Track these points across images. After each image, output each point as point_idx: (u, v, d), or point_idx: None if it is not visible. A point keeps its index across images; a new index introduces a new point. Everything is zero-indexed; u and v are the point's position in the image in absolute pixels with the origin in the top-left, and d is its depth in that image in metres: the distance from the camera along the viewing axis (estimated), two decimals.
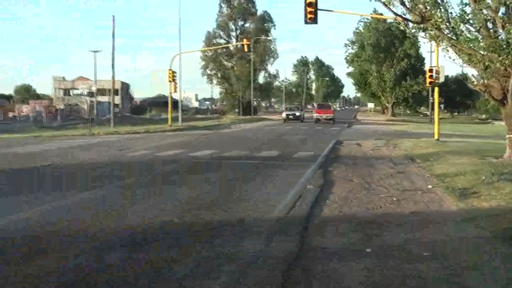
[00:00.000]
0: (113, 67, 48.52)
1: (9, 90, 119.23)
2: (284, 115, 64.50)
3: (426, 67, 35.41)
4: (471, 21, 16.68)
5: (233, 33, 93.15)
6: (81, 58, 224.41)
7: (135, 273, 6.31)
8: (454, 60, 18.24)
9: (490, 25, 16.72)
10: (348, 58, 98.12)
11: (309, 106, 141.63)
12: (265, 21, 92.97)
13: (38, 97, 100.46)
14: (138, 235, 8.07)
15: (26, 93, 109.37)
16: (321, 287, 5.86)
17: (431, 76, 28.76)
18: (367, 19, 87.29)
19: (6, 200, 11.21)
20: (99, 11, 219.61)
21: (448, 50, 18.00)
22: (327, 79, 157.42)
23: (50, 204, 10.46)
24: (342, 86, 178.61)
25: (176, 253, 7.11)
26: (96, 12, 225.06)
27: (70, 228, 8.61)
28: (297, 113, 63.16)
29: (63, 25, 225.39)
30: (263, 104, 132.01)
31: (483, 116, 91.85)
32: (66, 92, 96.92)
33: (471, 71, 19.29)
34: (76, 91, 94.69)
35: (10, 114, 65.81)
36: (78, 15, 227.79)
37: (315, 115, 60.37)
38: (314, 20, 24.21)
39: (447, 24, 16.82)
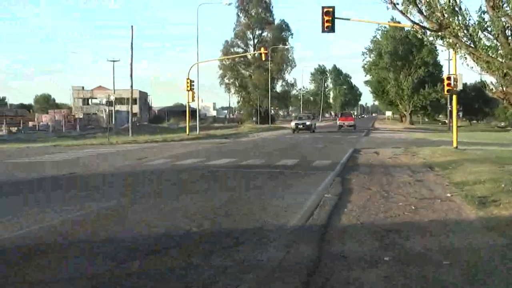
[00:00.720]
0: (131, 77, 48.96)
1: (29, 100, 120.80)
2: (293, 124, 57.20)
3: (444, 75, 35.25)
4: (489, 29, 16.61)
5: (251, 42, 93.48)
6: (100, 68, 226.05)
7: (155, 281, 6.37)
8: (472, 67, 18.13)
9: (508, 32, 16.63)
10: (365, 66, 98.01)
11: (326, 115, 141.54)
12: (282, 30, 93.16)
13: (57, 106, 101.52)
14: (158, 243, 8.14)
15: (46, 102, 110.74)
16: None
17: (449, 84, 28.62)
18: (385, 27, 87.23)
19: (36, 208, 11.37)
20: (116, 21, 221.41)
21: (466, 58, 17.91)
22: (344, 87, 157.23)
23: (74, 213, 10.59)
24: (360, 94, 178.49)
25: (195, 261, 7.17)
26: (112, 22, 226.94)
27: (94, 234, 8.73)
28: (307, 122, 55.98)
29: (82, 34, 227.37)
30: (281, 113, 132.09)
31: (502, 124, 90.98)
32: (85, 101, 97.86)
33: (490, 79, 19.18)
34: (94, 100, 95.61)
35: (30, 124, 66.44)
36: (96, 25, 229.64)
37: (338, 122, 66.27)
38: (331, 29, 24.27)
39: (465, 31, 16.76)
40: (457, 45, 17.21)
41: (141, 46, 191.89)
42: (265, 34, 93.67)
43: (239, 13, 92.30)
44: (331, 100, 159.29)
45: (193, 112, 58.05)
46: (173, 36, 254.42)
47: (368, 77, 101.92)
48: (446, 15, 16.73)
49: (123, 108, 76.36)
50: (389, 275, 6.47)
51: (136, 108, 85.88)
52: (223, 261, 7.11)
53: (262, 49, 51.50)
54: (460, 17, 16.66)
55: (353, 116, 74.18)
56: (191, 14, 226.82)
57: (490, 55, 16.61)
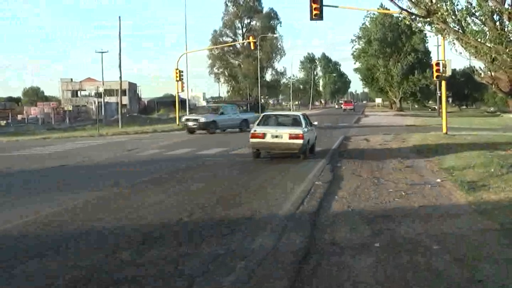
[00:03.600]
0: (120, 68, 48.74)
1: (17, 93, 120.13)
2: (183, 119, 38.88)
3: (433, 61, 35.30)
4: (477, 14, 16.65)
5: (240, 31, 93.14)
6: (89, 59, 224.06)
7: (146, 270, 6.38)
8: (461, 53, 18.23)
9: (496, 17, 16.68)
10: (355, 53, 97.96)
11: (316, 103, 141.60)
12: (271, 19, 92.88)
13: (46, 99, 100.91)
14: (150, 232, 8.14)
15: (34, 95, 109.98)
16: (332, 281, 5.90)
17: (438, 70, 28.73)
18: (374, 14, 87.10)
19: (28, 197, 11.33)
20: (100, 10, 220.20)
21: (454, 43, 17.98)
22: (334, 75, 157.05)
23: (66, 204, 10.54)
24: (349, 81, 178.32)
25: (188, 249, 7.19)
26: (97, 11, 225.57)
27: (86, 224, 8.70)
28: (202, 119, 34.71)
29: (63, 25, 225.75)
30: (271, 102, 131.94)
31: (492, 109, 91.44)
32: (74, 93, 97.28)
33: (478, 64, 19.26)
34: (84, 92, 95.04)
35: (19, 117, 66.03)
36: (80, 15, 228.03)
37: (343, 106, 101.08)
38: (319, 17, 24.19)
39: (453, 17, 16.80)
40: (446, 30, 17.26)
41: (129, 34, 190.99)
42: (253, 23, 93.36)
43: (227, 2, 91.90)
44: (320, 88, 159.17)
45: (182, 102, 57.84)
46: (161, 26, 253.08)
47: (358, 65, 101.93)
48: (434, 1, 16.75)
49: (113, 99, 75.94)
50: (379, 260, 6.51)
51: (125, 99, 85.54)
52: (215, 250, 7.12)
53: (251, 38, 51.22)
54: (448, 3, 16.69)
55: (353, 102, 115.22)
56: (179, 4, 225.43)
57: (479, 40, 16.66)
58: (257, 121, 19.98)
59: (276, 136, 18.18)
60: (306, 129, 18.56)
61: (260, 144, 18.48)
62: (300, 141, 17.82)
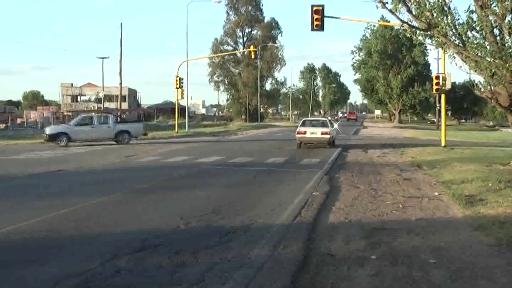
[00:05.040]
0: (120, 74, 48.89)
1: (17, 96, 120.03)
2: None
3: (433, 74, 35.33)
4: (477, 28, 16.69)
5: (240, 40, 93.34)
6: (89, 64, 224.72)
7: (143, 278, 6.36)
8: (461, 67, 18.25)
9: (496, 31, 16.71)
10: (355, 65, 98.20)
11: (315, 113, 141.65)
12: (272, 28, 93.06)
13: (46, 103, 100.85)
14: (146, 240, 8.12)
15: (34, 99, 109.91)
16: None
17: (437, 83, 28.73)
18: (374, 26, 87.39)
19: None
20: (103, 14, 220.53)
21: (454, 57, 18.02)
22: (334, 85, 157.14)
23: (63, 209, 10.51)
24: (349, 92, 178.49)
25: (183, 258, 7.17)
26: (100, 15, 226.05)
27: (82, 230, 8.67)
28: (48, 131, 32.79)
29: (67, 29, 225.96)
30: (270, 111, 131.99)
31: (491, 123, 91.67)
32: (74, 98, 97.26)
33: (478, 78, 19.27)
34: (84, 97, 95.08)
35: (18, 120, 65.92)
36: (83, 18, 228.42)
37: (347, 116, 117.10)
38: (320, 27, 24.24)
39: (454, 30, 16.85)
40: (446, 44, 17.30)
41: (130, 41, 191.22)
42: (254, 32, 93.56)
43: (228, 11, 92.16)
44: (320, 99, 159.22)
45: (182, 109, 57.90)
46: (162, 34, 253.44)
47: (358, 76, 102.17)
48: (435, 15, 16.80)
49: (112, 105, 76.01)
50: (376, 273, 6.49)
51: (125, 106, 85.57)
52: (211, 259, 7.11)
53: (252, 47, 51.40)
54: (449, 17, 16.74)
55: (356, 113, 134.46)
56: (180, 12, 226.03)
57: (479, 54, 16.69)
58: (300, 124, 30.88)
59: (312, 133, 28.20)
60: (331, 129, 29.10)
61: (302, 138, 28.26)
62: (328, 136, 27.90)
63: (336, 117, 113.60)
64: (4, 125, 56.36)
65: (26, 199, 12.00)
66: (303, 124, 29.56)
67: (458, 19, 16.89)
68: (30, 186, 14.55)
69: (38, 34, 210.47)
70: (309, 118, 37.97)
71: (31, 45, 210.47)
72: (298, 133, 27.95)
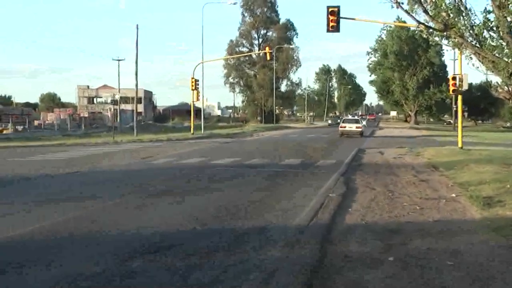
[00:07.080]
0: (136, 75, 48.94)
1: (34, 98, 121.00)
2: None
3: (449, 75, 35.12)
4: (494, 28, 16.54)
5: (256, 42, 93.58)
6: (103, 66, 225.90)
7: (157, 280, 6.36)
8: (478, 67, 18.08)
9: None
10: (370, 66, 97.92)
11: (330, 114, 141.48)
12: (287, 30, 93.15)
13: (62, 105, 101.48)
14: (161, 241, 8.13)
15: (51, 101, 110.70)
16: None
17: (454, 84, 28.56)
18: (390, 27, 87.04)
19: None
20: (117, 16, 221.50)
21: (471, 58, 17.85)
22: (349, 87, 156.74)
23: (78, 210, 10.60)
24: (364, 94, 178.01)
25: (198, 260, 7.15)
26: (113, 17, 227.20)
27: (97, 232, 8.71)
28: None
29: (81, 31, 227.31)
30: (285, 112, 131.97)
31: (508, 124, 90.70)
32: (90, 100, 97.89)
33: (495, 79, 19.16)
34: (100, 99, 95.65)
35: (36, 122, 66.43)
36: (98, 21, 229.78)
37: (368, 117, 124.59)
38: (336, 29, 24.18)
39: (471, 31, 16.70)
40: (463, 45, 17.15)
41: (145, 45, 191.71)
42: (270, 33, 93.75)
43: (244, 13, 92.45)
44: (335, 100, 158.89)
45: (197, 111, 58.06)
46: (178, 36, 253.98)
47: (373, 77, 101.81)
48: (451, 15, 16.66)
49: (128, 107, 76.32)
50: (392, 275, 6.45)
51: (141, 107, 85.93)
52: (227, 260, 7.09)
53: (267, 48, 51.39)
54: (465, 17, 16.61)
55: (375, 114, 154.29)
56: (196, 14, 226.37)
57: (496, 55, 16.55)
58: (342, 121, 50.12)
59: (350, 127, 44.55)
60: (363, 124, 47.48)
61: (343, 130, 44.25)
62: (360, 129, 44.47)
63: (363, 116, 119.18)
64: (22, 127, 56.82)
65: (37, 201, 12.06)
66: (344, 121, 47.18)
67: (475, 19, 16.76)
68: (42, 187, 14.65)
69: (52, 35, 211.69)
70: (347, 117, 59.29)
71: (46, 47, 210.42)
72: (341, 127, 44.74)
